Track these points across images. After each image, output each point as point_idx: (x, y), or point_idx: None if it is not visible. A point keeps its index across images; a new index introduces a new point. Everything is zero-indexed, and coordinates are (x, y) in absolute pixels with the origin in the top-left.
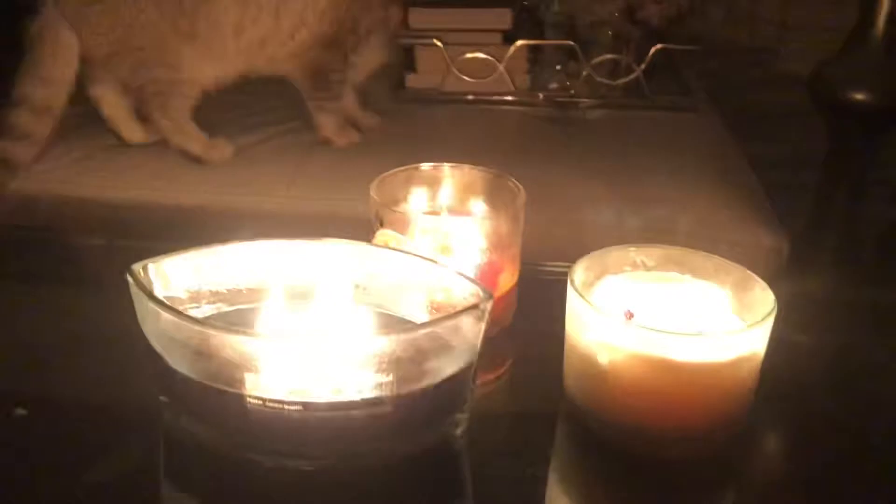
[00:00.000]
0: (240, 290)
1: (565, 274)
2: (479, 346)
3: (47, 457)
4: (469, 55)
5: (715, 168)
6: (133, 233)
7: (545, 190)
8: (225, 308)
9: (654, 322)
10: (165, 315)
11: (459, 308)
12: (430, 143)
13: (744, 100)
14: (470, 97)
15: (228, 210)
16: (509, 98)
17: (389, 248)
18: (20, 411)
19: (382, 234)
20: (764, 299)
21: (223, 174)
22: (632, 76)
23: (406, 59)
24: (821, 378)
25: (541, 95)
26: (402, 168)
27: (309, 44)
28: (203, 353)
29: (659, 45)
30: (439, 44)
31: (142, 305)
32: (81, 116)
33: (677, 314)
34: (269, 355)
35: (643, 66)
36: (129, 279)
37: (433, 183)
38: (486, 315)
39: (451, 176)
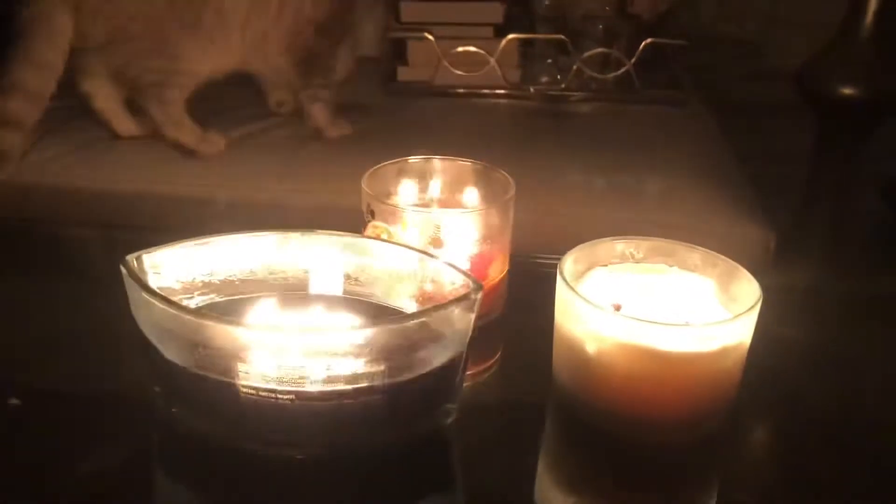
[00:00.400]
0: (232, 281)
1: (555, 265)
2: (469, 336)
3: (41, 447)
4: (460, 49)
5: (704, 161)
6: (126, 224)
7: (535, 182)
8: (218, 299)
9: (642, 313)
10: (159, 305)
11: (450, 298)
12: (421, 136)
13: (733, 94)
14: (461, 90)
15: (221, 202)
16: (500, 91)
17: (381, 239)
18: (14, 402)
19: (374, 226)
20: (750, 290)
21: (215, 166)
22: (622, 70)
23: (397, 53)
24: (806, 369)
25: (532, 89)
26: (394, 161)
27: (304, 33)
28: (196, 343)
29: (649, 40)
30: (430, 37)
31: (135, 296)
32: (73, 108)
33: (665, 305)
34: (261, 345)
35: (633, 60)
36: (123, 270)
37: (424, 175)
38: (476, 305)
39: (441, 168)
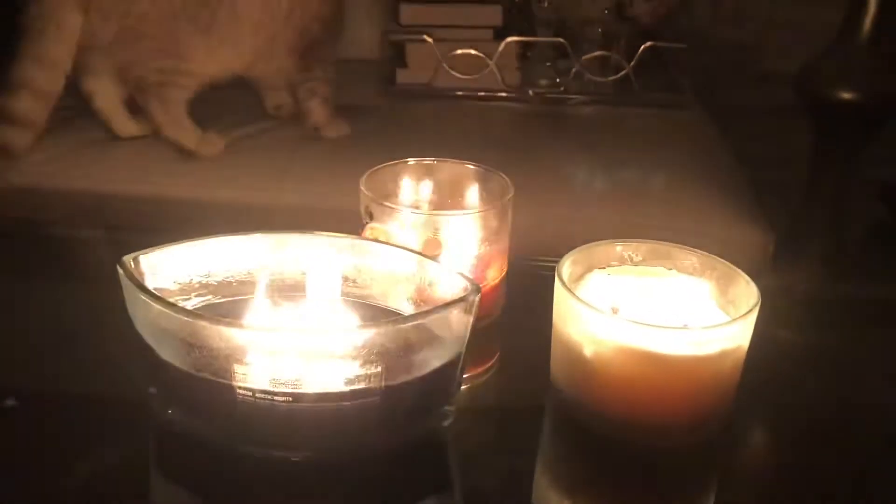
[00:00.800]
0: (230, 283)
1: (553, 268)
2: (466, 338)
3: (37, 448)
4: (460, 51)
5: (702, 165)
6: (123, 225)
7: (534, 185)
8: (215, 300)
9: (641, 316)
10: (156, 306)
11: (447, 301)
12: (419, 139)
13: (731, 97)
14: (460, 93)
15: (219, 203)
16: (499, 94)
17: (378, 241)
18: (10, 402)
19: (372, 228)
20: (748, 294)
21: (214, 167)
22: (621, 73)
23: (396, 55)
24: (804, 372)
25: (531, 92)
26: (392, 162)
27: (312, 30)
28: (193, 345)
29: (648, 43)
30: (430, 40)
31: (132, 297)
32: (72, 109)
33: (663, 308)
34: (258, 347)
35: (632, 64)
36: (120, 271)
37: (422, 177)
38: (474, 308)
39: (440, 170)
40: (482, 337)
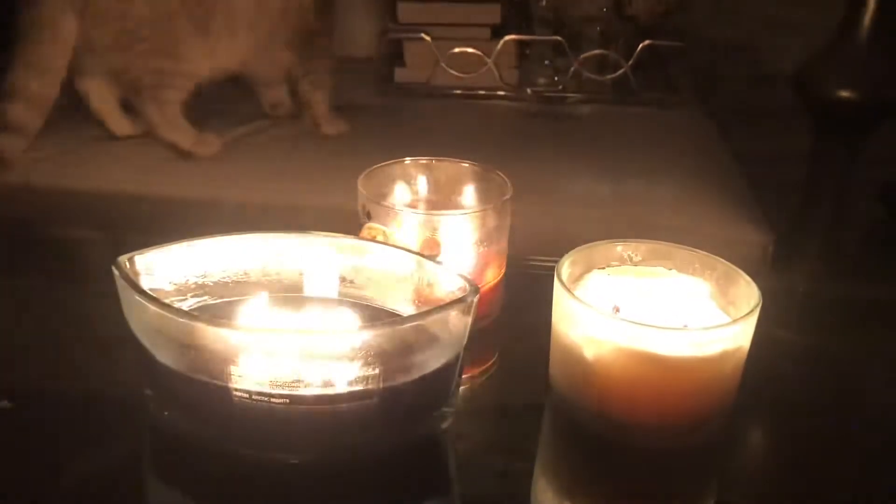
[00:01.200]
0: (226, 283)
1: (552, 268)
2: (465, 339)
3: (32, 449)
4: (457, 50)
5: (701, 164)
6: (119, 225)
7: (533, 184)
8: (211, 301)
9: (640, 316)
10: (151, 307)
11: (446, 301)
12: (417, 138)
13: (730, 96)
14: (458, 92)
15: (216, 202)
16: (498, 93)
17: (376, 241)
18: (5, 404)
19: (369, 228)
20: (749, 294)
21: (210, 167)
22: (619, 72)
23: (394, 54)
24: (805, 372)
25: (529, 90)
26: (390, 162)
27: (306, 20)
28: (189, 346)
29: (647, 42)
30: (427, 38)
31: (128, 298)
32: (66, 108)
33: (663, 308)
34: (255, 348)
35: (631, 63)
36: (116, 271)
37: (420, 176)
38: (473, 308)
39: (438, 170)
40: (481, 337)
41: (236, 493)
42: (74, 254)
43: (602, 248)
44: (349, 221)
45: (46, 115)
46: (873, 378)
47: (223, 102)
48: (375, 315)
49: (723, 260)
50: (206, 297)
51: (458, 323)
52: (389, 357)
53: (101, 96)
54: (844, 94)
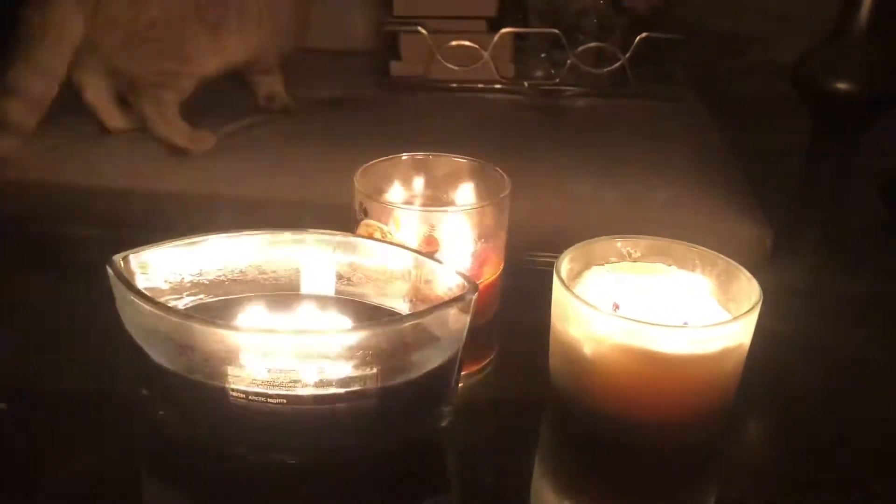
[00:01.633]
0: (222, 282)
1: (551, 264)
2: (464, 337)
3: (27, 450)
4: (454, 43)
5: (699, 157)
6: (113, 221)
7: (530, 179)
8: (207, 299)
9: (641, 313)
10: (146, 307)
11: (444, 300)
12: (414, 132)
13: (728, 89)
14: (454, 85)
15: (211, 198)
16: (494, 86)
17: (374, 238)
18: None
19: (366, 225)
20: (749, 290)
21: (205, 162)
22: (616, 65)
23: (390, 47)
24: (804, 368)
25: (525, 84)
26: (386, 157)
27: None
28: (185, 347)
29: (644, 34)
30: (423, 31)
31: (122, 297)
32: (59, 103)
33: (663, 305)
34: (251, 348)
35: (628, 55)
36: (110, 271)
37: (417, 172)
38: (472, 307)
39: (435, 165)
40: (480, 335)
41: (233, 494)
42: (68, 250)
43: (601, 245)
44: (346, 216)
45: (42, 116)
46: (875, 372)
47: (216, 96)
48: (373, 313)
49: (723, 256)
50: (201, 296)
51: (456, 321)
52: (387, 356)
53: (97, 89)
54: (842, 86)
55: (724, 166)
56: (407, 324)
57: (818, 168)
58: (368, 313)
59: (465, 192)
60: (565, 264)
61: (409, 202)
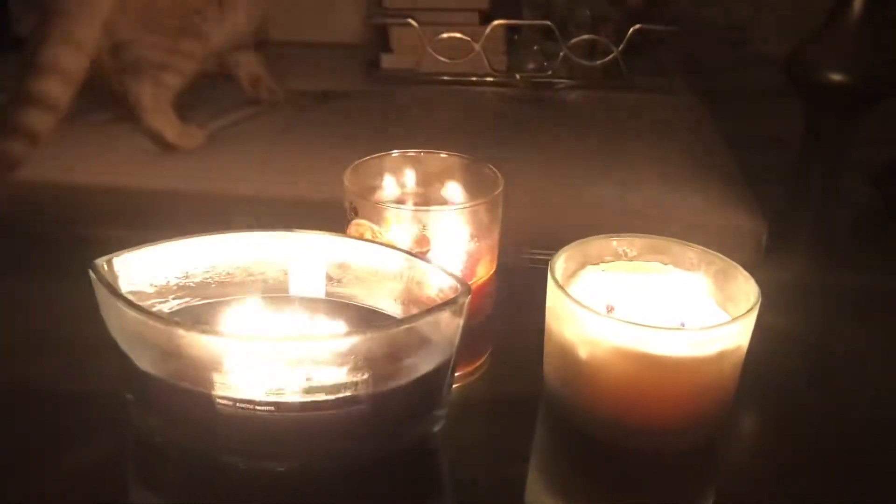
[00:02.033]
0: (209, 284)
1: (545, 262)
2: (457, 340)
3: (9, 455)
4: (445, 35)
5: (692, 150)
6: (99, 219)
7: (522, 174)
8: (193, 302)
9: (636, 314)
10: (130, 313)
11: (437, 303)
12: (405, 126)
13: (721, 81)
14: (446, 78)
15: (198, 195)
16: (486, 79)
17: (364, 239)
18: None
19: (357, 225)
20: (748, 290)
21: (193, 158)
22: (609, 57)
23: (381, 39)
24: (801, 364)
25: (518, 76)
26: (377, 155)
27: None
28: (170, 353)
29: (637, 26)
30: (414, 23)
31: (105, 302)
32: None
33: (660, 305)
34: (239, 354)
35: (621, 47)
36: (92, 275)
37: (409, 170)
38: (465, 309)
39: (427, 163)
40: (473, 335)
41: (222, 503)
42: (51, 250)
43: (596, 243)
44: (336, 214)
45: (75, 91)
46: (872, 368)
47: (206, 92)
48: (364, 316)
49: (720, 255)
50: (188, 299)
51: (449, 324)
52: (378, 361)
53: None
54: (836, 77)
55: (717, 158)
56: (398, 329)
57: (812, 158)
58: (359, 315)
59: (458, 190)
60: (560, 264)
61: (400, 200)
